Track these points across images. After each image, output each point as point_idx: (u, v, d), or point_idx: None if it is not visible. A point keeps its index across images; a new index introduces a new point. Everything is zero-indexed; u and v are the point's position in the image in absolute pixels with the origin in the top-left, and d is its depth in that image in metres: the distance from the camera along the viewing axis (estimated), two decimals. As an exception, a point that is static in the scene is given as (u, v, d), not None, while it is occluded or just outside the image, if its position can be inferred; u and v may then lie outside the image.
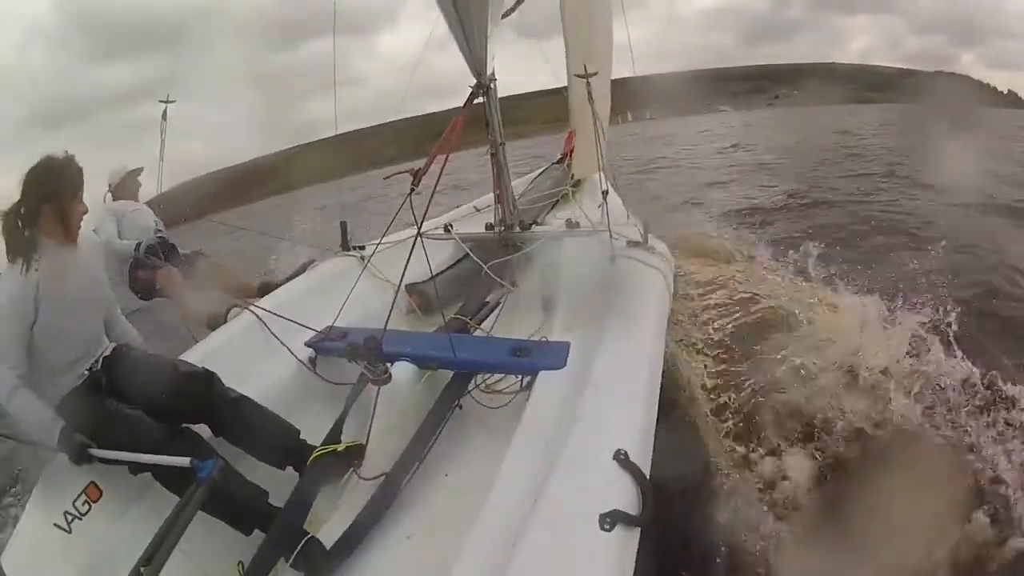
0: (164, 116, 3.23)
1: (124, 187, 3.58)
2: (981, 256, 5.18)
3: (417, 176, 2.18)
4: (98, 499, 1.84)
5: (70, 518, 1.77)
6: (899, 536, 2.16)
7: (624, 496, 1.35)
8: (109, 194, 3.58)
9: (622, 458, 1.43)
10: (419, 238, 2.14)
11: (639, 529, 1.32)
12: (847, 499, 2.44)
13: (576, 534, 1.26)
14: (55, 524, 1.73)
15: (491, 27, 2.69)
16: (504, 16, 2.92)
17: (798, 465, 2.63)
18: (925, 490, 2.29)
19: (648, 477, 1.43)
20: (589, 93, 2.41)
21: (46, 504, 1.77)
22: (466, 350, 2.23)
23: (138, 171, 3.66)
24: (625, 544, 1.26)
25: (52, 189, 1.82)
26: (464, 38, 2.67)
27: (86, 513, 1.80)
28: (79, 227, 1.94)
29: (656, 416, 1.69)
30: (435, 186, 2.26)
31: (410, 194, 2.14)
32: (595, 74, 2.46)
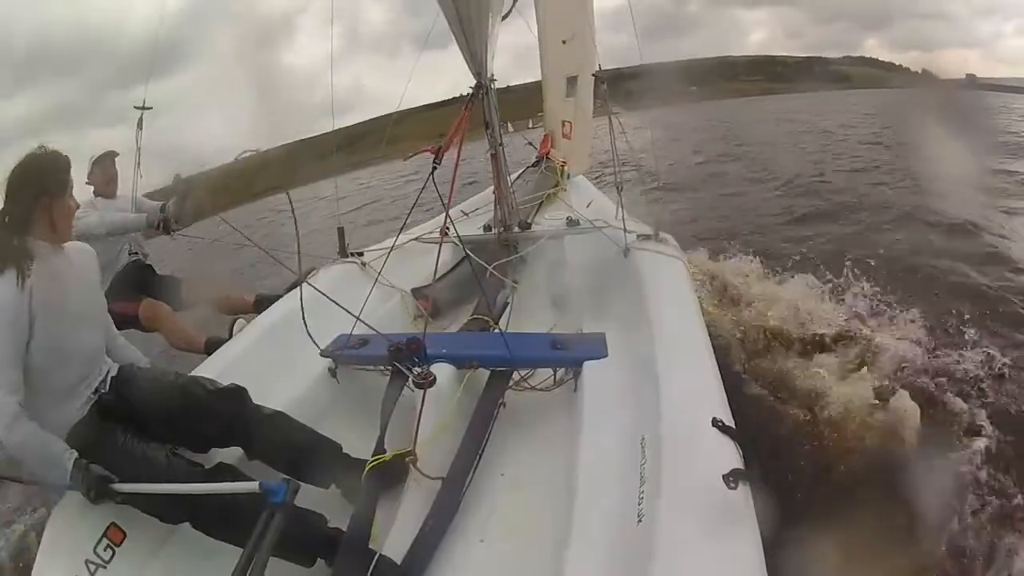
0: (140, 124, 2.91)
1: (94, 179, 3.03)
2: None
3: (439, 153, 2.13)
4: (122, 542, 1.59)
5: (93, 568, 1.51)
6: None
7: (734, 457, 1.40)
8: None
9: (720, 424, 1.48)
10: (441, 241, 2.14)
11: (750, 485, 1.37)
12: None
13: (709, 496, 1.28)
14: None
15: (491, 27, 2.70)
16: (503, 18, 2.94)
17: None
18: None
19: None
20: (606, 91, 2.48)
21: (62, 553, 1.50)
22: (509, 347, 2.19)
23: (105, 156, 3.05)
24: (748, 498, 1.30)
25: (43, 185, 1.61)
26: (464, 38, 2.67)
27: (110, 560, 1.55)
28: (70, 227, 1.72)
29: (723, 386, 1.76)
30: (451, 190, 2.21)
31: (432, 172, 2.09)
32: (608, 73, 2.54)
